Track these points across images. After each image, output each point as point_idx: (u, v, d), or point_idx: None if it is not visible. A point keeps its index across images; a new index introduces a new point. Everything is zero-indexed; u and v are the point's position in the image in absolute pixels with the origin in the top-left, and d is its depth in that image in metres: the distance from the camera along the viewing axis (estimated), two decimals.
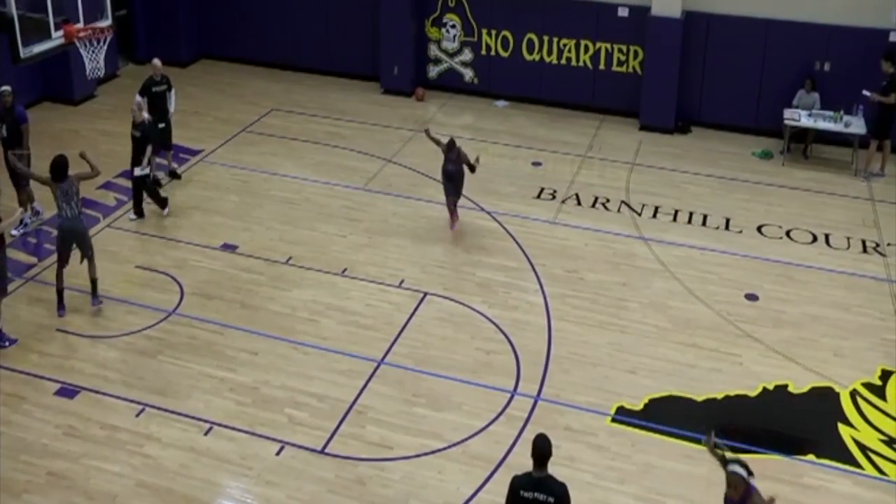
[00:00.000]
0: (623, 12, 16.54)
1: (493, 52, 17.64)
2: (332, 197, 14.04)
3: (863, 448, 9.21)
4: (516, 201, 13.94)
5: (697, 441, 9.20)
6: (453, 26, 17.75)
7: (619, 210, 13.76)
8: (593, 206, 13.89)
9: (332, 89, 18.29)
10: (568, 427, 9.40)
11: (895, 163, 15.01)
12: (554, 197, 14.13)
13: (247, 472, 8.80)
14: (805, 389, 10.02)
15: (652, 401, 9.80)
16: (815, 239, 13.02)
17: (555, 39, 17.15)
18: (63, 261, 10.95)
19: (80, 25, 11.02)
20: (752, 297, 11.60)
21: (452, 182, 12.69)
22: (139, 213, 13.22)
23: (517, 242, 12.82)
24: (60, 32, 10.76)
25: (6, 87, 12.54)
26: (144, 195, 13.17)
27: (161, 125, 14.03)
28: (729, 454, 7.01)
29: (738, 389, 9.99)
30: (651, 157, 15.59)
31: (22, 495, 8.49)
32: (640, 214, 13.63)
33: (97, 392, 9.83)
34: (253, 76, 18.86)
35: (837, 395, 9.94)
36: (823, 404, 9.82)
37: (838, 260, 12.50)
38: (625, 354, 10.53)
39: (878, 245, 12.86)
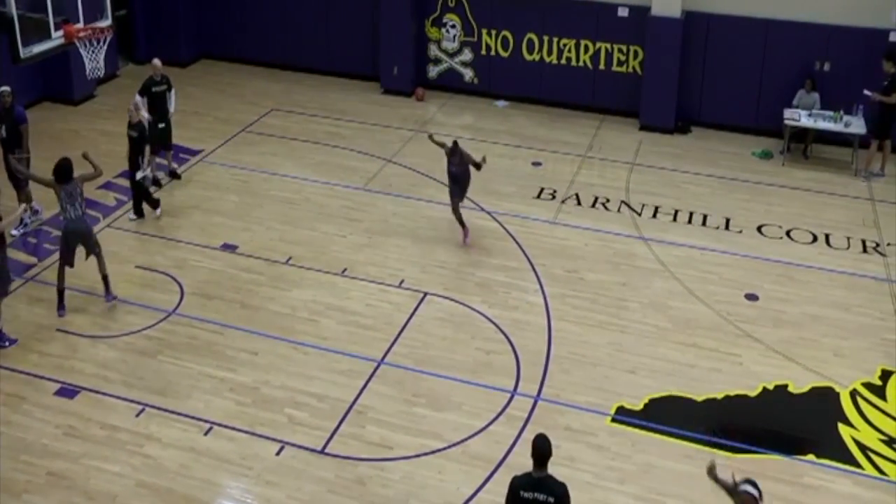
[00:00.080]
0: (623, 12, 16.55)
1: (493, 52, 17.64)
2: (332, 197, 14.04)
3: (863, 448, 9.21)
4: (516, 201, 13.94)
5: (697, 441, 9.24)
6: (453, 26, 17.76)
7: (619, 210, 13.76)
8: (593, 206, 13.89)
9: (332, 89, 18.29)
10: (568, 427, 9.40)
11: (895, 163, 15.01)
12: (554, 197, 14.13)
13: (247, 472, 8.80)
14: (805, 389, 10.02)
15: (652, 401, 9.80)
16: (815, 239, 13.02)
17: (555, 39, 17.15)
18: (66, 261, 10.95)
19: (80, 25, 11.00)
20: (752, 297, 11.60)
21: (458, 183, 12.56)
22: (139, 213, 13.22)
23: (517, 242, 12.82)
24: (60, 32, 10.75)
25: (5, 88, 12.55)
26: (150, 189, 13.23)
27: (161, 125, 14.03)
28: (737, 477, 6.97)
29: (738, 389, 9.99)
30: (651, 157, 15.59)
31: (22, 495, 8.49)
32: (640, 214, 13.63)
33: (97, 392, 9.83)
34: (253, 76, 18.86)
35: (837, 395, 9.94)
36: (823, 404, 9.82)
37: (838, 260, 12.50)
38: (625, 354, 10.54)
39: (878, 245, 12.86)
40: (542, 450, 6.68)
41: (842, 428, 9.48)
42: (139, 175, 12.84)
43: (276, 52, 19.10)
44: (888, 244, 12.87)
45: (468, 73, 17.99)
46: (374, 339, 10.71)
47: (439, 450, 9.09)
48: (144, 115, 13.79)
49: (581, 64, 17.12)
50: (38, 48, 10.53)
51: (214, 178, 14.59)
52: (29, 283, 11.70)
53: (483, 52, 17.70)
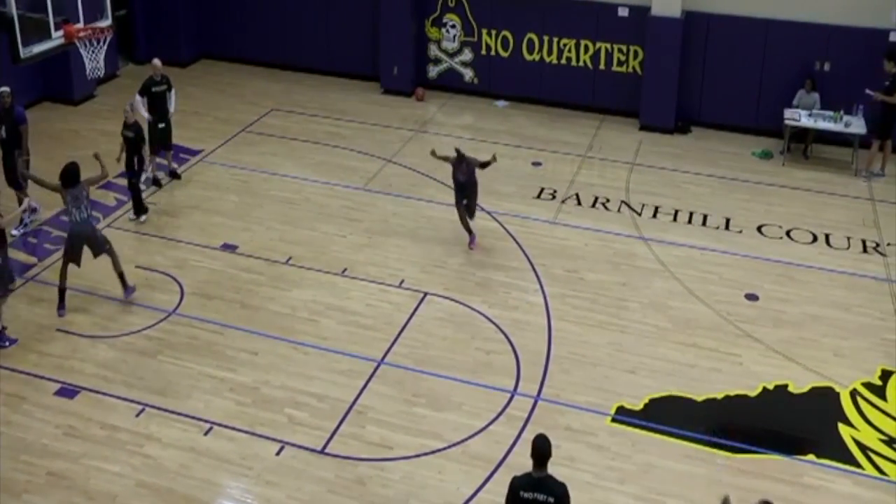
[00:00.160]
0: (623, 12, 16.54)
1: (493, 52, 17.64)
2: (332, 197, 14.04)
3: (863, 448, 9.21)
4: (516, 201, 13.94)
5: (697, 441, 9.24)
6: (453, 26, 17.76)
7: (619, 210, 13.75)
8: (593, 206, 13.89)
9: (332, 89, 18.29)
10: (568, 427, 9.39)
11: (895, 163, 15.01)
12: (554, 197, 14.13)
13: (247, 473, 8.80)
14: (805, 389, 10.01)
15: (652, 401, 9.80)
16: (815, 239, 13.02)
17: (555, 39, 17.15)
18: (70, 260, 10.96)
19: (80, 25, 11.01)
20: (752, 297, 11.59)
21: (464, 192, 12.35)
22: (139, 211, 13.22)
23: (517, 242, 12.81)
24: (60, 32, 10.75)
25: (5, 88, 12.54)
26: (142, 194, 13.18)
27: (161, 125, 14.03)
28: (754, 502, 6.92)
29: (738, 389, 9.99)
30: (651, 157, 15.59)
31: (22, 495, 8.49)
32: (640, 214, 13.63)
33: (97, 392, 9.83)
34: (253, 76, 18.87)
35: (837, 394, 9.94)
36: (823, 404, 9.82)
37: (838, 260, 12.50)
38: (625, 354, 10.53)
39: (878, 245, 12.86)
40: (541, 450, 6.67)
41: (842, 428, 9.47)
42: (143, 178, 12.83)
43: (276, 52, 19.10)
44: (888, 244, 12.86)
45: (468, 73, 17.99)
46: (375, 339, 10.71)
47: (439, 450, 9.09)
48: (145, 114, 13.81)
49: (581, 64, 17.12)
50: (38, 48, 10.54)
51: (214, 178, 14.59)
52: (29, 283, 11.71)
53: (483, 52, 17.70)
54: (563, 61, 17.21)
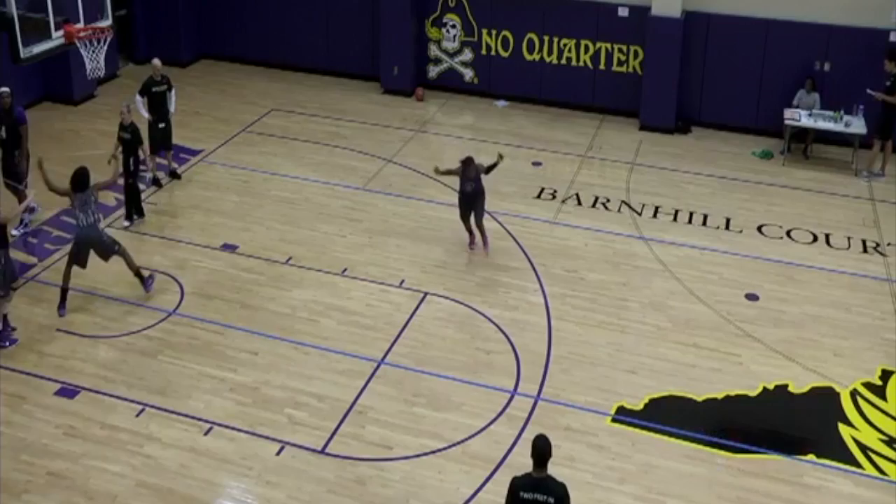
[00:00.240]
0: (623, 12, 16.55)
1: (493, 52, 17.64)
2: (332, 197, 14.04)
3: (863, 448, 9.21)
4: (516, 201, 13.94)
5: (698, 441, 9.23)
6: (453, 26, 17.76)
7: (619, 210, 13.75)
8: (593, 206, 13.89)
9: (332, 89, 18.29)
10: (568, 427, 9.39)
11: (895, 163, 15.02)
12: (554, 197, 14.13)
13: (247, 473, 8.80)
14: (805, 389, 10.01)
15: (652, 401, 9.80)
16: (815, 239, 13.02)
17: (555, 39, 17.15)
18: (75, 262, 10.95)
19: (80, 25, 11.00)
20: (752, 297, 11.59)
21: (471, 205, 12.11)
22: (139, 212, 13.22)
23: (517, 242, 12.81)
24: (60, 32, 10.74)
25: (5, 89, 12.54)
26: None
27: (161, 125, 14.04)
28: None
29: (739, 389, 9.99)
30: (651, 157, 15.59)
31: (22, 495, 8.49)
32: (640, 214, 13.63)
33: (97, 392, 9.83)
34: (253, 76, 18.87)
35: (838, 394, 9.94)
36: (824, 404, 9.82)
37: (838, 260, 12.50)
38: (625, 354, 10.53)
39: (878, 245, 12.86)
40: (541, 450, 6.67)
41: (842, 428, 9.47)
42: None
43: (276, 52, 19.10)
44: (888, 244, 12.86)
45: (468, 73, 17.99)
46: (375, 339, 10.71)
47: (439, 450, 9.09)
48: (145, 114, 13.82)
49: (581, 64, 17.12)
50: (38, 48, 10.53)
51: (214, 178, 14.59)
52: (29, 283, 11.70)
53: (483, 51, 17.70)
54: (564, 61, 17.21)
